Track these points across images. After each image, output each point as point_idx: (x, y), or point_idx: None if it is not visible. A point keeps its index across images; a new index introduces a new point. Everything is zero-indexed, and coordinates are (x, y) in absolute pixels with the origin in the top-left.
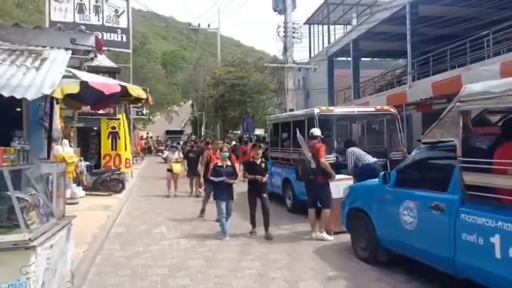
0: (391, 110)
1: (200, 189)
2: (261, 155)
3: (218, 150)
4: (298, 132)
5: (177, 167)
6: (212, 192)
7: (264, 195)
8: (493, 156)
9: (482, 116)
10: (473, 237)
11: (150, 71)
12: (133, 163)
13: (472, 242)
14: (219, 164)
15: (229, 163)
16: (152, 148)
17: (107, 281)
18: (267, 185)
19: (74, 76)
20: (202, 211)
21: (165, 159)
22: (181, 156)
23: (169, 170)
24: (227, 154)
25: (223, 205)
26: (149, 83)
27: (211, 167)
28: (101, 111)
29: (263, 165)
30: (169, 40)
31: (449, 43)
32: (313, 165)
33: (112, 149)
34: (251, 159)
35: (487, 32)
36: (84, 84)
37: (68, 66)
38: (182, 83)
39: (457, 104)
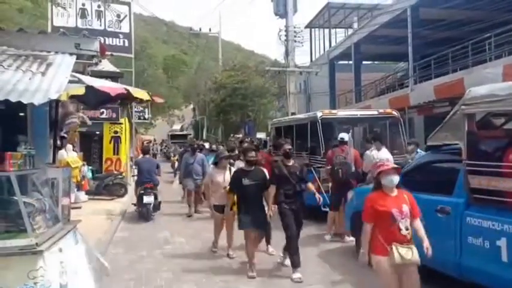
0: (394, 113)
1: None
2: None
3: None
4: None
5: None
6: None
7: None
8: (499, 159)
9: (486, 119)
10: (479, 241)
11: (152, 75)
12: (132, 168)
13: (478, 245)
14: None
15: None
16: (158, 153)
17: (112, 285)
18: None
19: (80, 81)
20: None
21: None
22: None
23: (219, 207)
24: None
25: None
26: (151, 87)
27: None
28: (103, 116)
29: None
30: (170, 44)
31: (451, 46)
32: (353, 169)
33: (114, 153)
34: None
35: (489, 34)
36: (88, 88)
37: (71, 71)
38: (183, 87)
39: (462, 107)
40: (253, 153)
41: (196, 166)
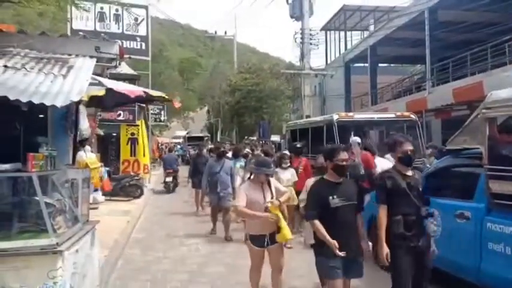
0: (412, 116)
1: None
2: None
3: None
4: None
5: (284, 227)
6: None
7: None
8: None
9: (508, 123)
10: (500, 247)
11: (168, 77)
12: (150, 169)
13: (498, 252)
14: None
15: None
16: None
17: (129, 285)
18: None
19: (100, 83)
20: None
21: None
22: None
23: (259, 240)
24: None
25: None
26: (166, 90)
27: None
28: (120, 118)
29: None
30: (186, 47)
31: (469, 48)
32: (363, 171)
33: (131, 155)
34: None
35: (509, 37)
36: (108, 90)
37: (91, 74)
38: (198, 90)
39: (483, 110)
40: (345, 155)
41: (224, 176)
